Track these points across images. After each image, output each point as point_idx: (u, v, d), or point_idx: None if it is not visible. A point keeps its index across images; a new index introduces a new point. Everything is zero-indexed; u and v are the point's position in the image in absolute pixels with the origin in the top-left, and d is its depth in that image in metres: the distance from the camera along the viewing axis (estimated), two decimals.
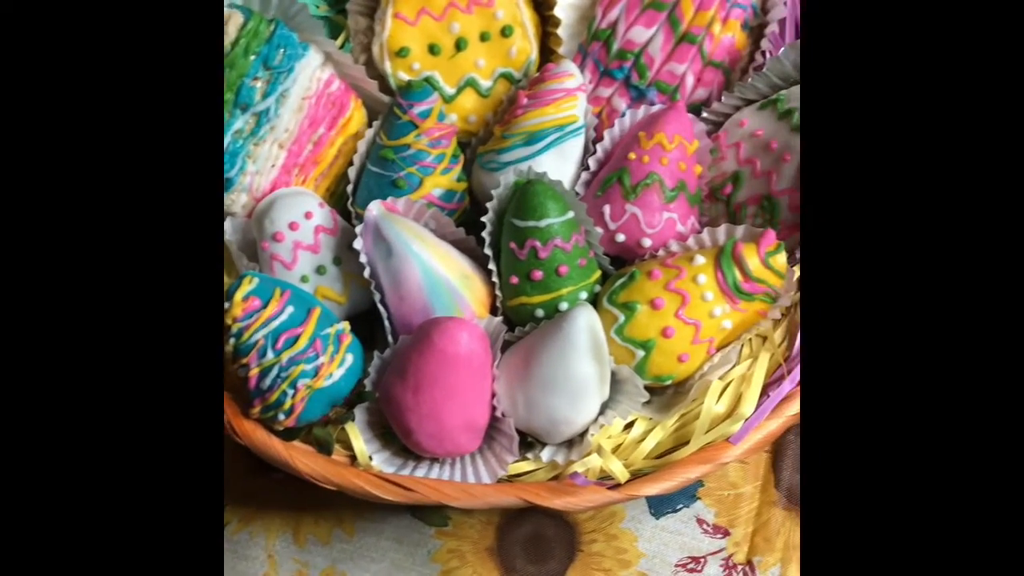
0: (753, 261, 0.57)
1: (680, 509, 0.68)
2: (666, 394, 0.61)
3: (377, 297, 0.60)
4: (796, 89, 0.61)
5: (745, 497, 0.70)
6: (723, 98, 0.64)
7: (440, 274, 0.59)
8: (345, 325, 0.59)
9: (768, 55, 0.64)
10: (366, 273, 0.60)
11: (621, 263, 0.63)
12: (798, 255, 0.60)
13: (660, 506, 0.67)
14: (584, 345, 0.56)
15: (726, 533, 0.69)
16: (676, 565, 0.67)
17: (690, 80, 0.65)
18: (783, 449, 0.68)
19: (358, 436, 0.58)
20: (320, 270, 0.62)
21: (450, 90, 0.67)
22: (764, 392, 0.58)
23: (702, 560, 0.67)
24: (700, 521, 0.69)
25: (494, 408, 0.58)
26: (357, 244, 0.60)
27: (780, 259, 0.58)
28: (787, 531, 0.68)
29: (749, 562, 0.68)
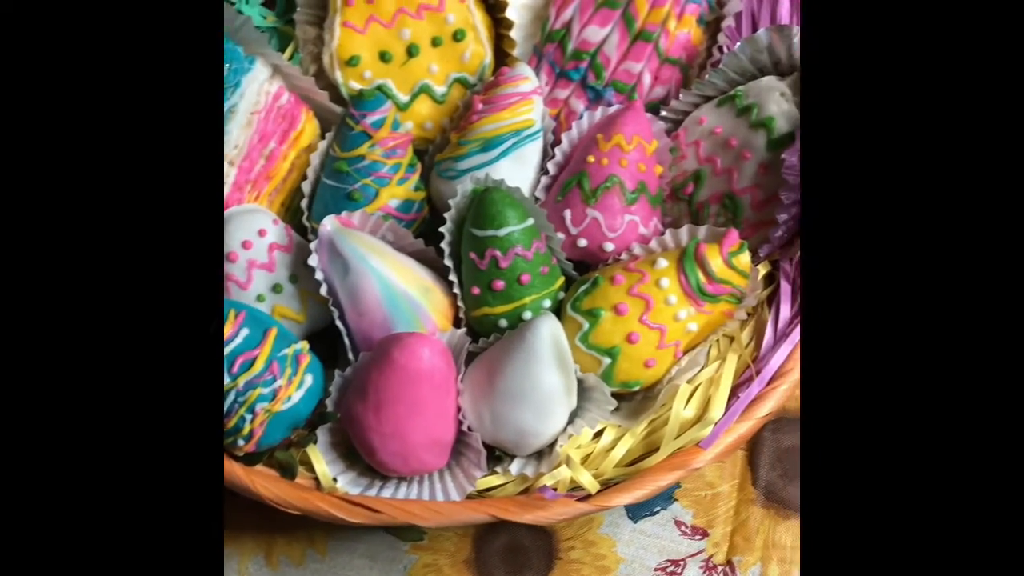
0: (716, 262, 0.56)
1: (658, 512, 0.67)
2: (635, 400, 0.60)
3: (336, 314, 0.59)
4: (753, 84, 0.60)
5: (722, 496, 0.69)
6: (681, 95, 0.63)
7: (399, 288, 0.58)
8: (303, 345, 0.57)
9: (725, 50, 0.63)
10: (323, 290, 0.59)
11: (585, 268, 0.62)
12: (761, 253, 0.59)
13: (638, 510, 0.66)
14: (548, 356, 0.55)
15: (705, 534, 0.68)
16: (655, 569, 0.66)
17: (647, 79, 0.64)
18: (759, 446, 0.68)
19: (320, 459, 0.57)
20: (276, 289, 0.60)
21: (404, 97, 0.65)
22: (733, 394, 0.58)
23: (681, 563, 0.67)
24: (678, 523, 0.69)
25: (460, 423, 0.57)
26: (312, 261, 0.58)
27: (743, 259, 0.57)
28: (766, 529, 0.67)
29: (729, 562, 0.67)
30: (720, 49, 0.63)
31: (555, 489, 0.56)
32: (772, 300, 0.60)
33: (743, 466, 0.68)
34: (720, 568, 0.66)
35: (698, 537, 0.67)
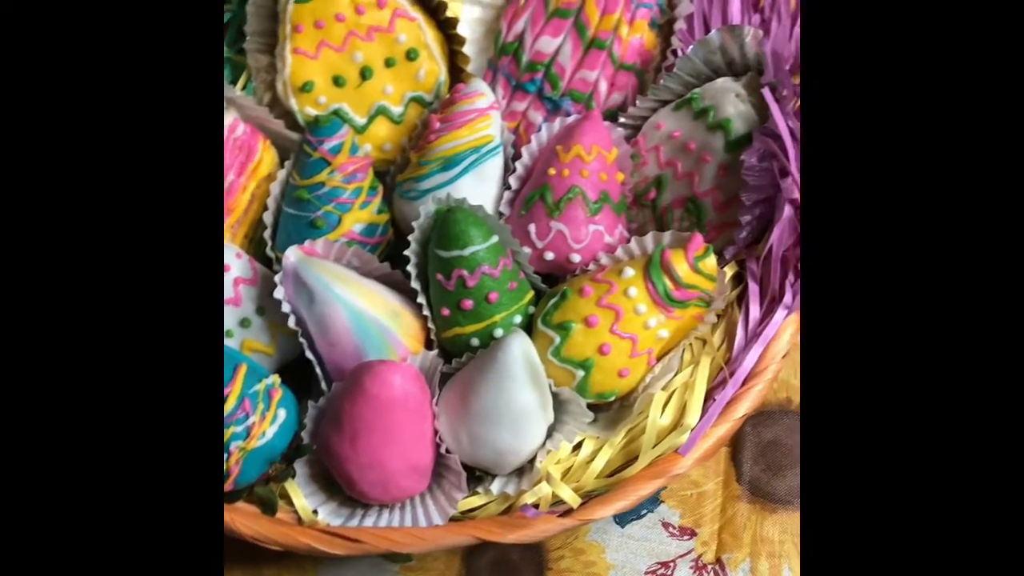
0: (682, 267, 0.56)
1: (644, 515, 0.67)
2: (612, 409, 0.60)
3: (306, 345, 0.58)
4: (709, 86, 0.60)
5: (708, 495, 0.69)
6: (638, 101, 0.63)
7: (368, 314, 0.57)
8: (275, 379, 0.57)
9: (679, 52, 0.63)
10: (291, 322, 0.58)
11: (554, 280, 0.62)
12: (727, 255, 0.59)
13: (624, 514, 0.66)
14: (521, 374, 0.54)
15: (693, 534, 0.68)
16: (646, 573, 0.66)
17: (603, 86, 0.64)
18: (740, 442, 0.68)
19: (299, 493, 0.56)
20: (244, 323, 0.60)
21: (361, 120, 0.65)
22: (709, 396, 0.58)
23: (671, 564, 0.67)
24: (666, 525, 0.69)
25: (438, 445, 0.57)
26: (278, 294, 0.58)
27: (709, 262, 0.57)
28: (753, 525, 0.67)
29: (719, 560, 0.68)
30: (674, 52, 0.63)
31: (537, 506, 0.56)
32: (741, 300, 0.60)
33: (727, 463, 0.68)
34: (710, 567, 0.66)
35: (686, 537, 0.67)
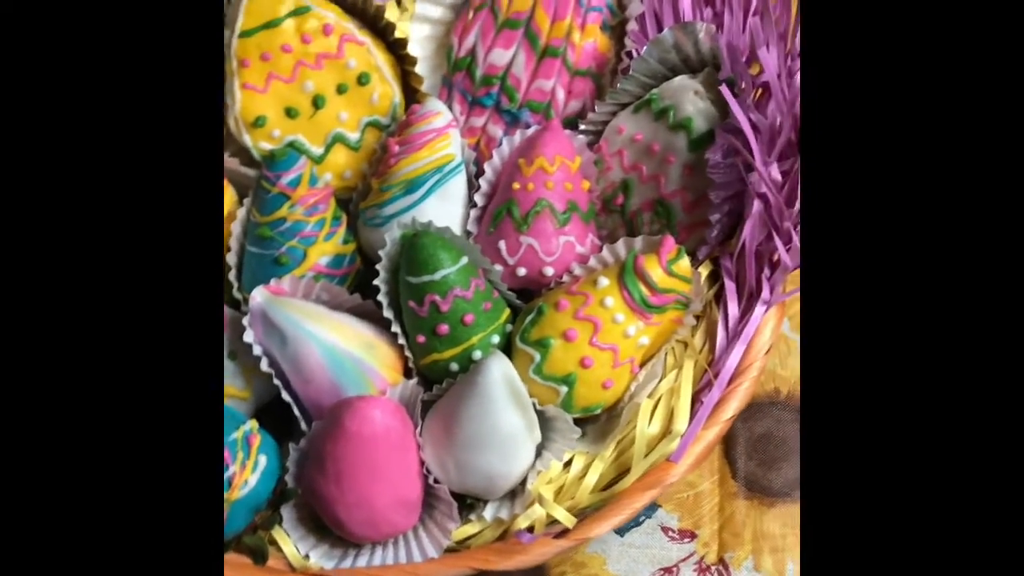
0: (656, 272, 0.55)
1: (643, 521, 0.66)
2: (599, 422, 0.59)
3: (281, 386, 0.57)
4: (667, 86, 0.59)
5: (705, 495, 0.68)
6: (597, 106, 0.62)
7: (341, 349, 0.56)
8: (252, 425, 0.55)
9: (634, 54, 0.62)
10: (264, 365, 0.57)
11: (529, 296, 0.61)
12: (700, 255, 0.58)
13: None
14: (503, 397, 0.53)
15: (693, 536, 0.67)
16: None
17: (561, 94, 0.63)
18: (733, 438, 0.67)
19: (287, 540, 0.55)
20: None
21: (318, 150, 0.64)
22: (696, 400, 0.57)
23: (674, 569, 0.66)
24: (665, 529, 0.68)
25: (425, 477, 0.56)
26: (248, 337, 0.56)
27: (683, 264, 0.56)
28: (753, 521, 0.67)
29: (721, 560, 0.67)
30: (628, 54, 0.62)
31: (532, 529, 0.55)
32: (719, 299, 0.59)
33: (720, 460, 0.67)
34: (714, 568, 0.66)
35: (687, 540, 0.67)
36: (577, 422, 0.56)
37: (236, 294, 0.61)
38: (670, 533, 0.67)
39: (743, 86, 0.56)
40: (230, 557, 0.55)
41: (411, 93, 0.65)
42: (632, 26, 0.62)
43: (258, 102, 0.62)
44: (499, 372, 0.53)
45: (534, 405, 0.55)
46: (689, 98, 0.57)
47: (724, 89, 0.55)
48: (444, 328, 0.57)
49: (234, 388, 0.59)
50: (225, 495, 0.53)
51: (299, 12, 0.61)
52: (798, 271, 0.54)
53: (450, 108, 0.64)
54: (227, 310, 0.60)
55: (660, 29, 0.63)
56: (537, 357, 0.56)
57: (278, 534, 0.55)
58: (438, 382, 0.58)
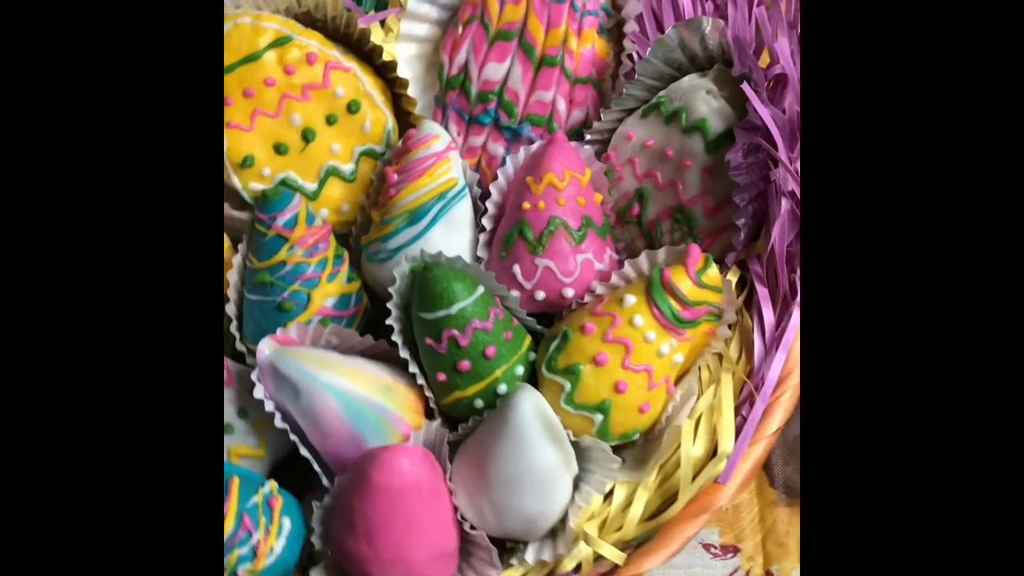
0: (685, 284, 0.52)
1: None
2: (637, 446, 0.56)
3: (298, 440, 0.53)
4: (675, 87, 0.56)
5: (744, 506, 0.66)
6: (602, 114, 0.59)
7: (359, 396, 0.53)
8: (271, 486, 0.52)
9: (635, 56, 0.59)
10: (278, 421, 0.53)
11: (549, 319, 0.58)
12: (728, 262, 0.55)
13: None
14: (536, 432, 0.50)
15: (736, 551, 0.65)
16: None
17: (562, 105, 0.60)
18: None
19: None
20: (227, 430, 0.55)
21: (311, 186, 0.60)
22: (737, 413, 0.54)
23: None
24: (707, 546, 0.65)
25: (461, 524, 0.52)
26: (258, 393, 0.53)
27: (713, 273, 0.53)
28: (796, 529, 0.64)
29: (768, 573, 0.65)
30: (629, 57, 0.59)
31: (579, 567, 0.52)
32: (750, 305, 0.56)
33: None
34: None
35: (730, 555, 0.65)
36: (614, 449, 0.53)
37: (239, 346, 0.58)
38: (712, 550, 0.65)
39: (756, 78, 0.53)
40: None
41: (404, 117, 0.62)
42: (630, 27, 0.59)
43: (245, 141, 0.58)
44: (530, 406, 0.50)
45: (568, 437, 0.52)
46: (701, 97, 0.54)
47: (746, 87, 0.51)
48: (465, 364, 0.53)
49: (247, 447, 0.55)
50: (251, 565, 0.49)
51: (280, 43, 0.57)
52: None
53: (446, 129, 0.61)
54: (232, 364, 0.56)
55: (660, 28, 0.60)
56: (567, 386, 0.52)
57: None
58: (463, 420, 0.55)
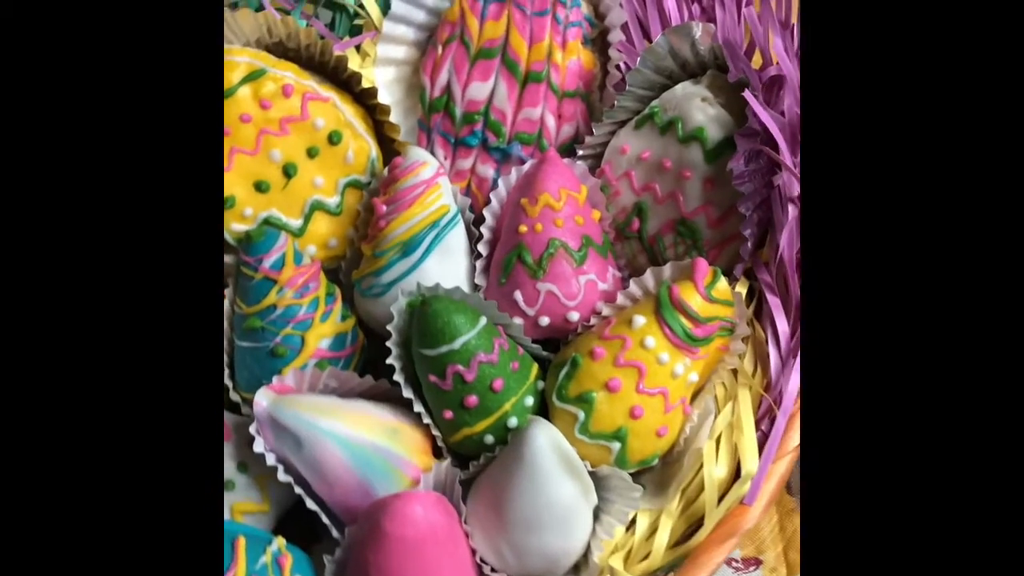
0: (695, 301, 0.50)
1: None
2: (655, 471, 0.53)
3: (303, 493, 0.51)
4: (668, 96, 0.54)
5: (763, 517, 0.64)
6: (594, 128, 0.57)
7: (363, 442, 0.50)
8: (279, 544, 0.49)
9: (623, 67, 0.57)
10: (281, 474, 0.51)
11: (555, 344, 0.56)
12: (737, 273, 0.53)
13: None
14: (553, 467, 0.48)
15: (758, 563, 0.64)
16: None
17: (551, 121, 0.58)
18: None
19: None
20: (228, 486, 0.52)
21: (296, 223, 0.58)
22: (757, 429, 0.52)
23: None
24: (728, 561, 0.63)
25: (480, 567, 0.50)
26: (258, 447, 0.50)
27: (722, 287, 0.51)
28: None
29: None
30: (617, 67, 0.57)
31: None
32: (760, 316, 0.54)
33: None
34: None
35: (752, 568, 0.63)
36: (633, 476, 0.51)
37: (233, 395, 0.55)
38: (734, 564, 0.64)
39: (752, 83, 0.51)
40: None
41: (388, 144, 0.59)
42: (615, 36, 0.57)
43: (224, 181, 0.56)
44: (545, 440, 0.48)
45: (586, 467, 0.50)
46: (697, 106, 0.52)
47: (747, 94, 0.49)
48: (473, 399, 0.51)
49: (251, 503, 0.53)
50: None
51: (254, 77, 0.55)
52: None
53: (432, 153, 0.59)
54: (228, 416, 0.54)
55: (647, 35, 0.58)
56: (581, 415, 0.50)
57: None
58: (473, 458, 0.53)
